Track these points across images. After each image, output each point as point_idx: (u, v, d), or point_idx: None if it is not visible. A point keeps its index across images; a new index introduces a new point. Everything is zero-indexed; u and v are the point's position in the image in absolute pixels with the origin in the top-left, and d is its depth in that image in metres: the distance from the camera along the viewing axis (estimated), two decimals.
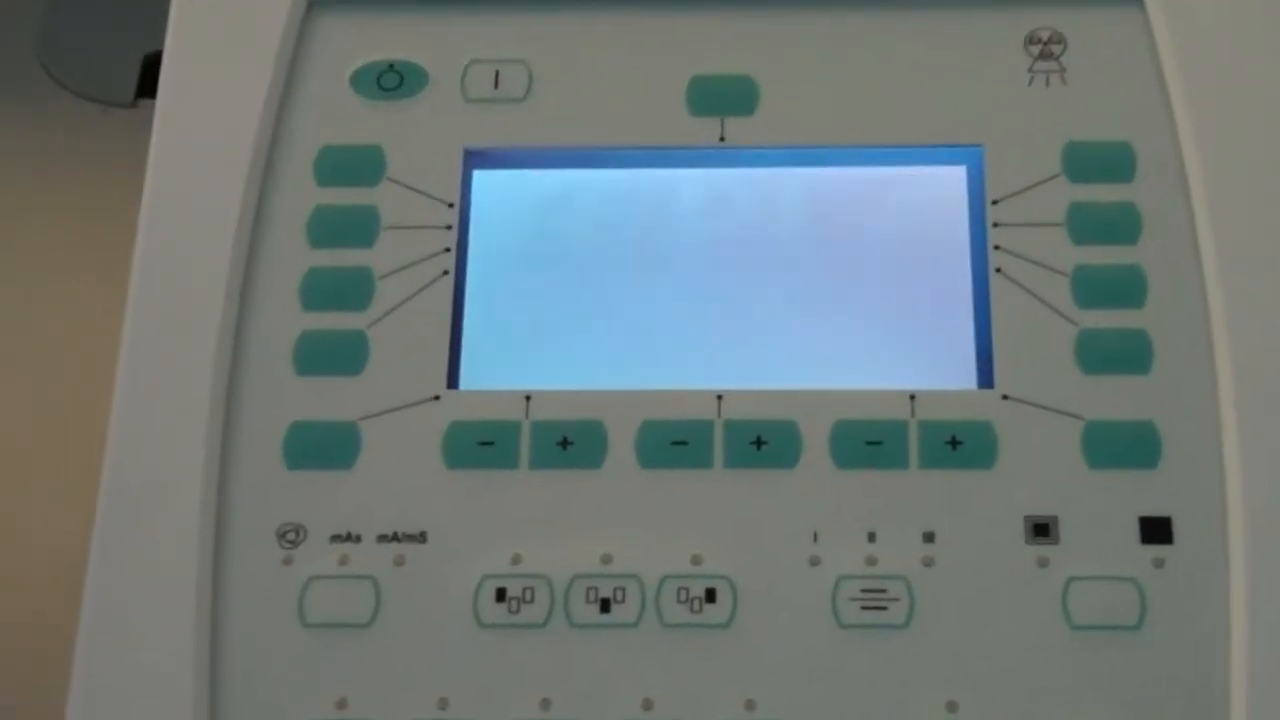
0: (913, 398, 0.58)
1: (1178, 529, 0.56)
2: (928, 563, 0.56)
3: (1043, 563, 0.56)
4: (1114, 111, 0.62)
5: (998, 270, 0.59)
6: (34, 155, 0.81)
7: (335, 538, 0.57)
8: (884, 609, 0.55)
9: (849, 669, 0.55)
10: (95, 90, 0.82)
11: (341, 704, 0.55)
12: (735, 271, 0.61)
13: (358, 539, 0.57)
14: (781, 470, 0.57)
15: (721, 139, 0.62)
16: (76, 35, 0.84)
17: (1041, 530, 0.56)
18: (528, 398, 0.58)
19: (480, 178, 0.62)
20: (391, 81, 0.63)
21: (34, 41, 0.84)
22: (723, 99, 0.62)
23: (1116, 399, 0.57)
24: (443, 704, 0.54)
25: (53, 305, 0.76)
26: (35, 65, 0.84)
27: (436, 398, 0.58)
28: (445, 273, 0.60)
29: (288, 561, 0.57)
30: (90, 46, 0.84)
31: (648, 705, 0.54)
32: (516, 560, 0.56)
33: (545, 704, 0.54)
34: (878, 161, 0.62)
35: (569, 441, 0.58)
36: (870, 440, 0.57)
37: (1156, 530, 0.56)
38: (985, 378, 0.58)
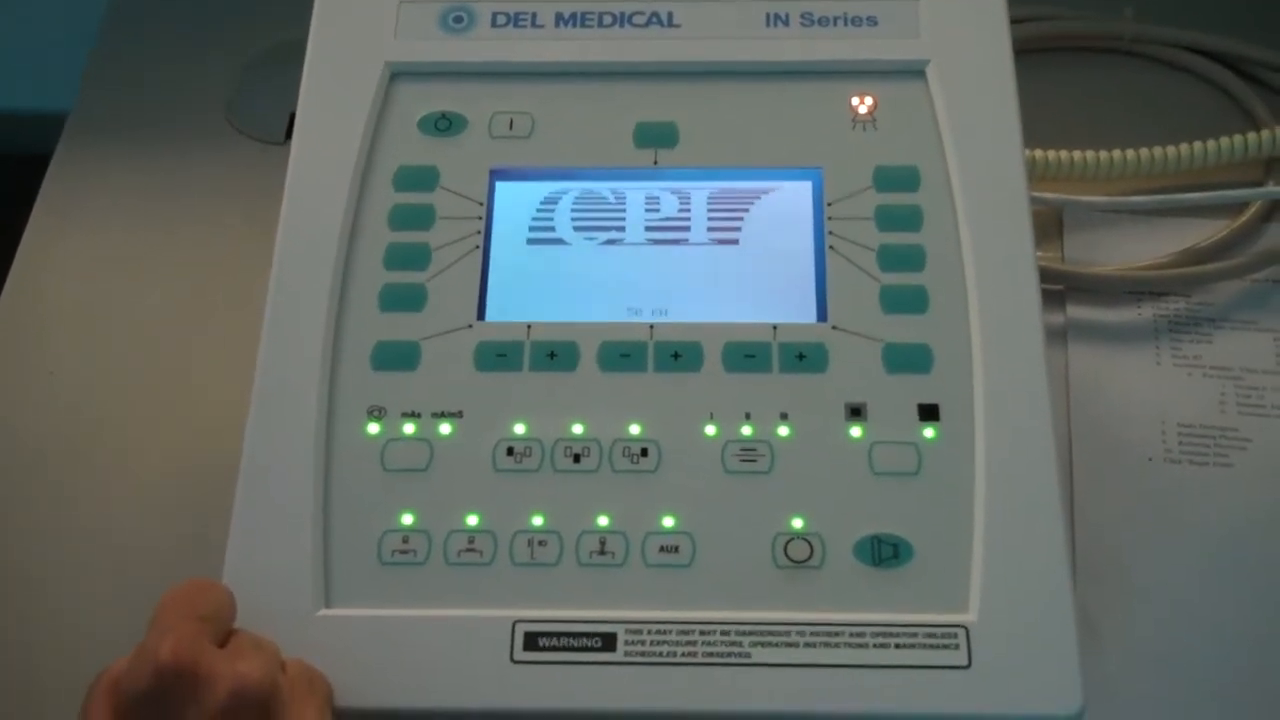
0: (775, 328, 0.59)
1: (943, 412, 0.57)
2: (784, 432, 0.57)
3: (856, 433, 0.57)
4: (906, 146, 0.62)
5: (831, 247, 0.60)
6: (216, 177, 0.82)
7: (404, 414, 0.57)
8: (754, 461, 0.56)
9: (732, 498, 0.56)
10: (258, 132, 0.83)
11: (407, 517, 0.56)
12: (663, 247, 0.61)
13: (419, 415, 0.57)
14: (691, 373, 0.58)
15: (655, 162, 0.62)
16: (247, 94, 0.85)
17: (856, 412, 0.57)
18: (529, 326, 0.59)
19: (500, 187, 0.62)
20: (444, 125, 0.64)
21: (221, 99, 0.84)
22: (656, 137, 0.63)
23: (905, 329, 0.58)
24: (470, 517, 0.56)
25: (234, 277, 0.76)
26: (221, 117, 0.84)
27: (470, 325, 0.59)
28: (476, 247, 0.61)
29: (375, 430, 0.57)
30: (256, 102, 0.84)
31: (604, 519, 0.56)
32: (520, 430, 0.57)
33: (540, 518, 0.56)
34: (756, 177, 0.62)
35: (554, 354, 0.58)
36: (748, 354, 0.58)
37: (929, 413, 0.57)
38: (822, 314, 0.59)
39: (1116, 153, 0.75)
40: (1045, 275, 0.67)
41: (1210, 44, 0.83)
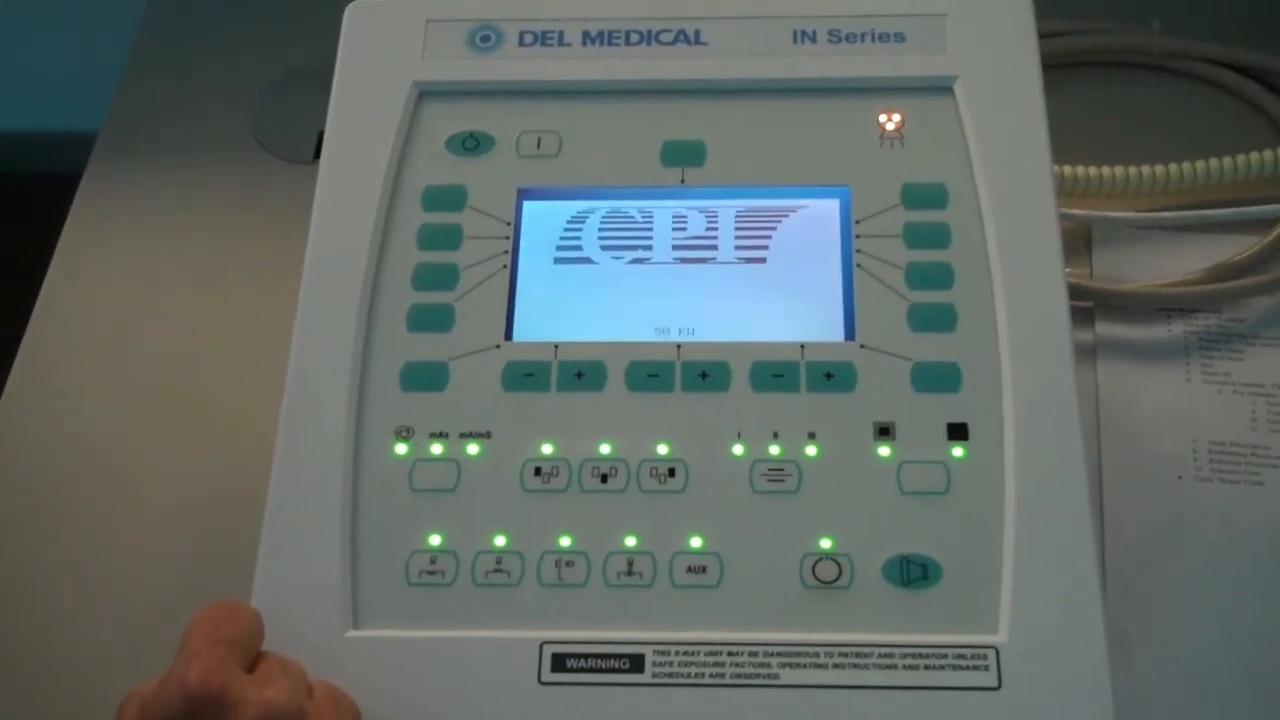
0: (803, 346, 0.58)
1: (971, 431, 0.56)
2: (811, 452, 0.57)
3: (885, 453, 0.56)
4: (934, 163, 0.61)
5: (858, 265, 0.60)
6: (244, 198, 0.82)
7: (433, 435, 0.57)
8: (782, 481, 0.56)
9: (759, 518, 0.56)
10: (286, 153, 0.83)
11: (435, 538, 0.56)
12: (690, 265, 0.61)
13: (447, 435, 0.57)
14: (718, 393, 0.58)
15: (682, 181, 0.62)
16: (275, 115, 0.85)
17: (884, 431, 0.57)
18: (556, 346, 0.59)
19: (528, 206, 0.62)
20: (471, 144, 0.63)
21: (250, 119, 0.85)
22: (683, 155, 0.62)
23: (933, 348, 0.58)
24: (498, 538, 0.56)
25: (262, 297, 0.77)
26: (248, 135, 0.84)
27: (498, 346, 0.59)
28: (504, 266, 0.61)
29: (402, 450, 0.57)
30: (284, 122, 0.84)
31: (632, 539, 0.55)
32: (548, 450, 0.57)
33: (567, 539, 0.55)
34: (783, 195, 0.62)
35: (582, 374, 0.58)
36: (775, 374, 0.58)
37: (958, 432, 0.56)
38: (850, 333, 0.59)
39: (1145, 168, 0.75)
40: (1074, 292, 0.67)
41: (1239, 58, 0.83)
